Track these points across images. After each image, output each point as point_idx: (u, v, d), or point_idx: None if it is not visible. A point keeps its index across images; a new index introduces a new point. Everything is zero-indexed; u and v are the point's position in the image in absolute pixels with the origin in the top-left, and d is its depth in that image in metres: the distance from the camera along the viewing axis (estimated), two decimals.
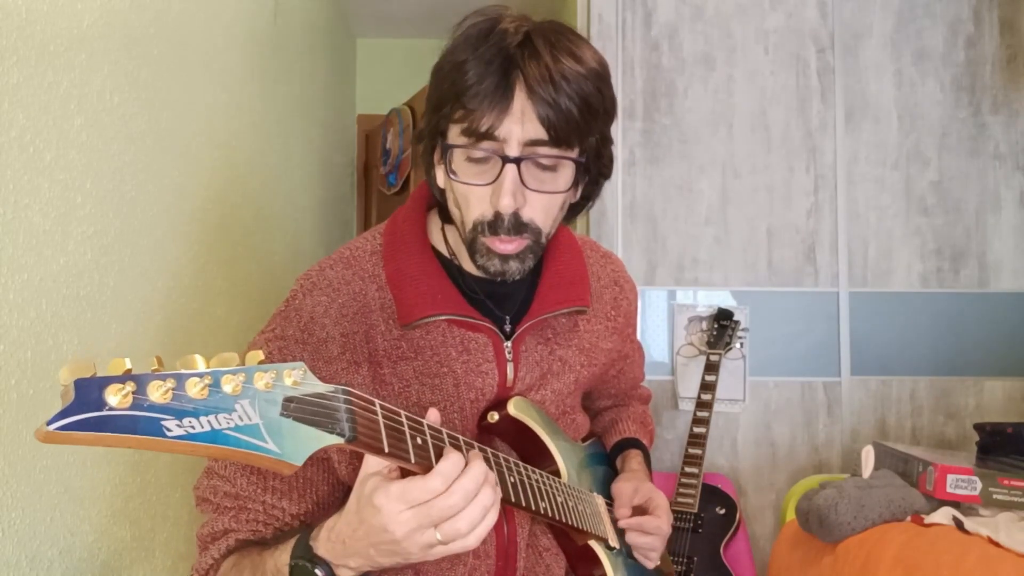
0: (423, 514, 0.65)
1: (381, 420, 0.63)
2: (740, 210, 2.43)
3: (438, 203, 0.92)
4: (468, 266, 0.90)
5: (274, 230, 2.18)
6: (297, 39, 2.47)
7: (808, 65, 2.45)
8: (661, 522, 0.99)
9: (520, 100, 0.77)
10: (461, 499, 0.65)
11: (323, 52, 3.00)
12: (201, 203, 1.55)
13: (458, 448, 0.70)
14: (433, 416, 0.72)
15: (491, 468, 0.75)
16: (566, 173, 0.82)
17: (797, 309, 2.42)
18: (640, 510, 1.01)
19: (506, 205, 0.78)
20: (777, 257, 2.42)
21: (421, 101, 3.32)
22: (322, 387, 0.58)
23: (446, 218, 0.91)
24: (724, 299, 2.42)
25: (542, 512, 0.82)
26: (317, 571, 0.70)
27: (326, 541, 0.71)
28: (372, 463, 0.69)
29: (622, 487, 1.02)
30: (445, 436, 0.71)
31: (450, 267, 0.92)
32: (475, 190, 0.80)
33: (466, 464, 0.67)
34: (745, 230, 2.43)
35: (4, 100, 0.92)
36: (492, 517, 0.68)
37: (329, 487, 0.88)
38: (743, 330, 2.35)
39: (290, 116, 2.39)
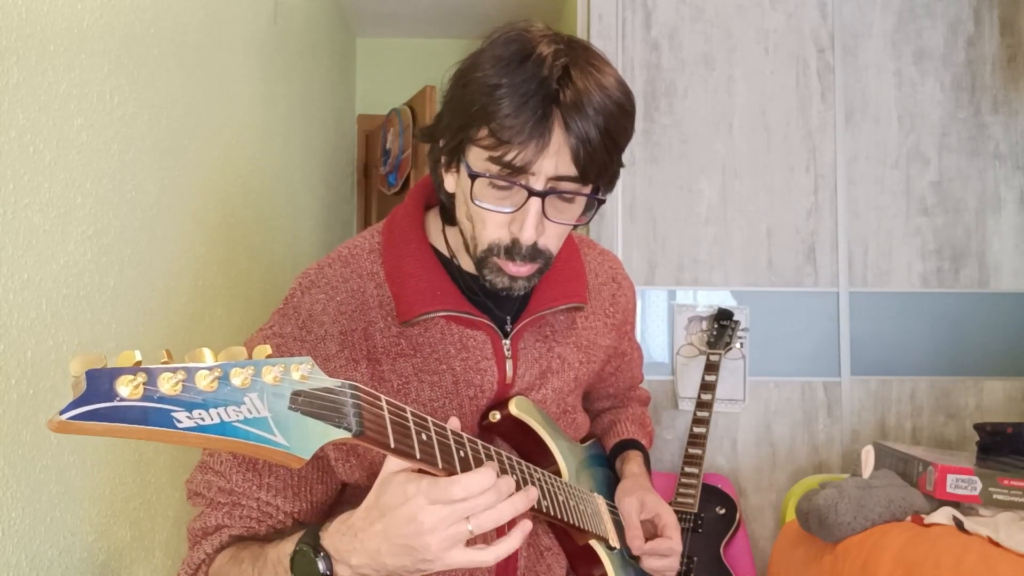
0: (454, 508, 0.66)
1: (387, 415, 0.63)
2: (740, 210, 2.43)
3: (440, 203, 0.92)
4: (467, 265, 0.91)
5: (274, 230, 2.18)
6: (297, 39, 2.47)
7: (808, 65, 2.45)
8: (673, 543, 0.98)
9: (558, 138, 0.76)
10: (494, 498, 0.68)
11: (323, 52, 3.00)
12: (201, 203, 1.55)
13: (482, 456, 0.72)
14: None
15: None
16: (583, 203, 0.83)
17: (797, 309, 2.42)
18: (646, 523, 1.01)
19: (528, 237, 0.79)
20: (777, 257, 2.42)
21: (421, 101, 3.33)
22: (329, 382, 0.59)
23: (447, 219, 0.91)
24: (724, 299, 2.42)
25: (543, 510, 0.83)
26: (319, 561, 0.70)
27: (335, 532, 0.71)
28: (394, 462, 0.69)
29: (628, 504, 1.01)
30: (450, 434, 0.71)
31: (449, 265, 0.92)
32: (495, 215, 0.80)
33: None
34: (745, 230, 2.43)
35: (4, 100, 0.92)
36: (517, 538, 0.71)
37: (324, 487, 0.88)
38: (743, 330, 2.35)
39: (290, 116, 2.39)
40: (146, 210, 1.30)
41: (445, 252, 0.93)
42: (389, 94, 3.73)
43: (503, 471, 0.76)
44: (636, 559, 0.99)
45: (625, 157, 0.85)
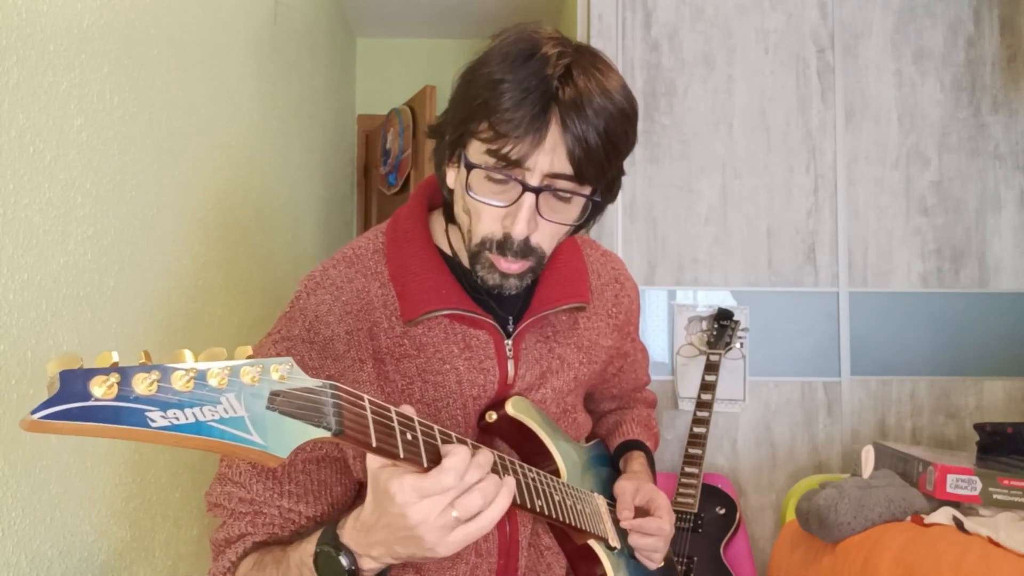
0: (439, 500, 0.66)
1: (370, 415, 0.63)
2: (740, 210, 2.43)
3: (443, 202, 0.93)
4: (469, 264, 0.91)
5: (274, 230, 2.18)
6: (297, 39, 2.47)
7: (808, 65, 2.45)
8: (663, 523, 0.98)
9: (554, 135, 0.77)
10: (477, 474, 0.68)
11: (323, 52, 3.00)
12: (201, 203, 1.55)
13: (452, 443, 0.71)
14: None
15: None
16: (580, 205, 0.84)
17: (797, 309, 2.42)
18: (642, 510, 1.01)
19: (520, 232, 0.80)
20: (777, 257, 2.42)
21: (421, 101, 3.33)
22: (309, 381, 0.59)
23: (450, 217, 0.92)
24: (724, 299, 2.42)
25: (538, 510, 0.82)
26: (341, 558, 0.71)
27: (352, 529, 0.72)
28: (374, 458, 0.69)
29: (624, 486, 1.02)
30: (437, 433, 0.71)
31: (453, 264, 0.92)
32: (490, 209, 0.81)
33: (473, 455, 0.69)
34: (745, 230, 2.43)
35: (4, 100, 0.92)
36: (502, 502, 0.70)
37: (343, 488, 0.89)
38: (743, 330, 2.35)
39: (290, 116, 2.39)
40: (146, 210, 1.30)
41: (448, 252, 0.93)
42: (389, 94, 3.73)
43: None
44: (625, 534, 0.99)
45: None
